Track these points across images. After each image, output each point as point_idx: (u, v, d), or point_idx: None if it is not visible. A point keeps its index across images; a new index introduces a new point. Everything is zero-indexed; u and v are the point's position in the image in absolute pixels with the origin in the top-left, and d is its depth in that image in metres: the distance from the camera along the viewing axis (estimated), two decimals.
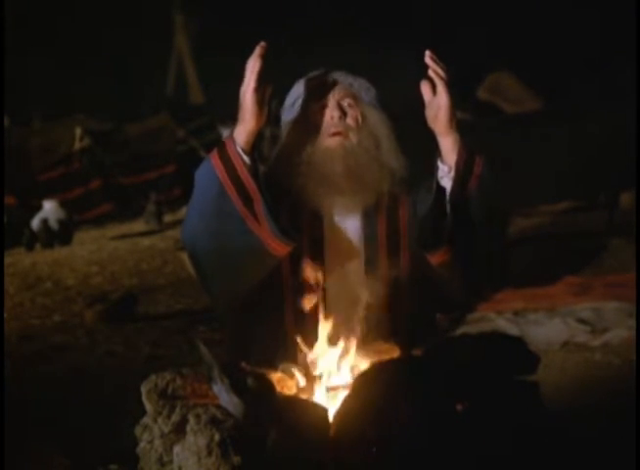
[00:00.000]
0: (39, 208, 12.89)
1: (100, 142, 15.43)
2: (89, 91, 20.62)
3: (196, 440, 2.05)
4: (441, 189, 2.47)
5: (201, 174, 2.46)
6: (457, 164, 2.44)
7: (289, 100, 2.60)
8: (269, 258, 2.42)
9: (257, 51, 2.39)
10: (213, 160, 2.42)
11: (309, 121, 2.56)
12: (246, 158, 2.41)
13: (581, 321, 6.68)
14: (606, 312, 6.88)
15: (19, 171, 14.29)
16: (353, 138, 2.53)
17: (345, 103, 2.55)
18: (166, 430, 2.16)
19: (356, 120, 2.55)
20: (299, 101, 2.57)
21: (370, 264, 2.55)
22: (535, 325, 6.63)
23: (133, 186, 15.36)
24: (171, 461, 2.14)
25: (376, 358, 2.27)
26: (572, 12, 18.19)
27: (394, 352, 2.31)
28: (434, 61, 2.43)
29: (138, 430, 2.23)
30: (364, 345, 2.36)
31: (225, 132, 14.83)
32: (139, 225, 13.80)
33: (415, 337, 2.49)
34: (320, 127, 2.54)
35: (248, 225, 2.38)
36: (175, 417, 2.16)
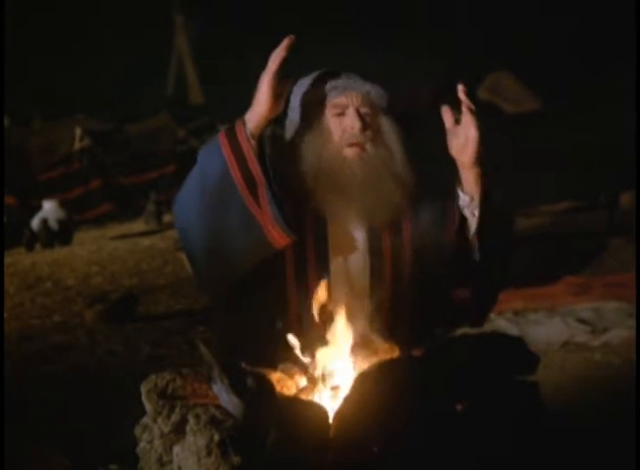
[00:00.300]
0: (39, 208, 12.90)
1: (100, 142, 15.44)
2: (89, 91, 20.62)
3: (195, 440, 2.05)
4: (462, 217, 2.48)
5: (206, 152, 2.43)
6: (482, 196, 2.45)
7: (296, 99, 2.54)
8: (266, 247, 2.39)
9: (285, 42, 2.36)
10: (221, 139, 2.39)
11: (322, 126, 2.51)
12: (253, 141, 2.38)
13: (581, 321, 6.69)
14: (606, 312, 6.88)
15: (19, 171, 14.31)
16: (370, 149, 2.50)
17: (363, 111, 2.50)
18: (166, 430, 2.16)
19: (373, 131, 2.51)
20: (311, 103, 2.52)
21: (375, 275, 2.54)
22: (535, 325, 6.63)
23: (133, 186, 15.38)
24: (171, 461, 2.14)
25: (376, 358, 2.27)
26: (573, 12, 18.20)
27: (394, 352, 2.31)
28: (467, 94, 2.41)
29: (138, 430, 2.23)
30: (364, 345, 2.36)
31: None
32: (139, 225, 13.82)
33: (415, 337, 2.49)
34: (335, 134, 2.50)
35: (249, 209, 2.36)
36: (175, 417, 2.16)
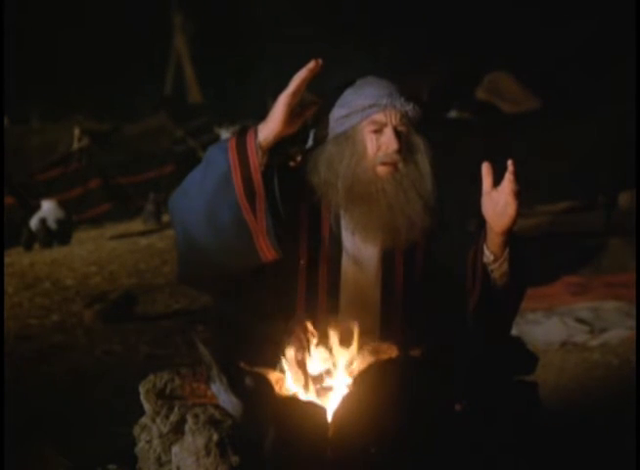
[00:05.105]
0: (38, 207, 12.88)
1: (98, 142, 15.44)
2: (88, 91, 20.63)
3: (194, 440, 2.05)
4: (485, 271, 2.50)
5: (214, 150, 2.45)
6: (510, 261, 2.47)
7: (343, 110, 2.52)
8: (253, 256, 2.40)
9: (310, 64, 2.38)
10: (230, 142, 2.42)
11: (357, 139, 2.50)
12: (260, 152, 2.39)
13: (580, 321, 6.69)
14: (604, 312, 6.88)
15: (17, 171, 14.30)
16: (402, 169, 2.50)
17: (400, 130, 2.50)
18: (165, 430, 2.16)
19: (407, 151, 2.51)
20: (355, 116, 2.50)
21: (386, 289, 2.55)
22: (534, 325, 6.63)
23: (132, 186, 15.36)
24: (170, 461, 2.14)
25: (375, 358, 2.27)
26: (573, 12, 18.20)
27: (393, 352, 2.31)
28: (515, 173, 2.40)
29: (136, 430, 2.23)
30: (363, 345, 2.36)
31: (223, 133, 14.85)
32: (137, 225, 13.78)
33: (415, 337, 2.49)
34: (369, 149, 2.49)
35: (243, 216, 2.37)
36: (174, 417, 2.16)
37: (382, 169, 2.50)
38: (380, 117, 2.49)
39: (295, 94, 2.38)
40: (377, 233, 2.51)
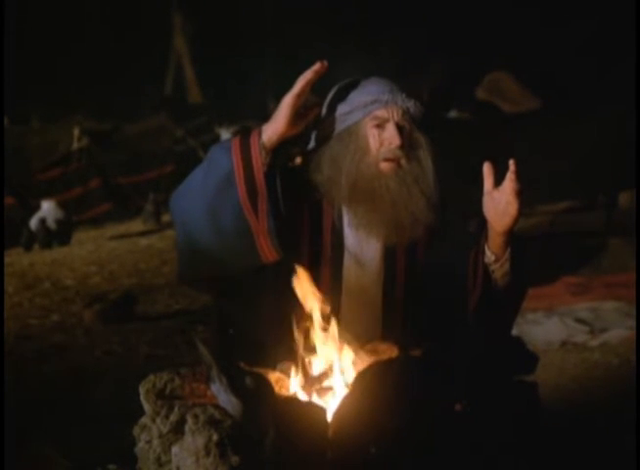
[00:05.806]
0: (37, 207, 12.89)
1: (98, 142, 15.45)
2: (88, 91, 20.63)
3: (194, 440, 2.05)
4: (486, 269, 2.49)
5: (217, 149, 2.46)
6: (512, 261, 2.46)
7: (345, 107, 2.53)
8: (254, 257, 2.40)
9: (315, 66, 2.38)
10: (234, 141, 2.42)
11: (360, 135, 2.51)
12: (264, 152, 2.40)
13: (580, 321, 6.69)
14: (604, 312, 6.89)
15: (17, 171, 14.30)
16: (405, 165, 2.50)
17: (402, 126, 2.50)
18: (165, 430, 2.16)
19: (410, 147, 2.51)
20: (357, 112, 2.51)
21: (388, 287, 2.56)
22: (534, 325, 6.63)
23: (132, 186, 15.37)
24: (170, 461, 2.14)
25: (374, 358, 2.26)
26: (573, 13, 18.20)
27: (393, 352, 2.31)
28: (517, 173, 2.39)
29: (136, 430, 2.23)
30: (362, 344, 2.35)
31: (223, 133, 14.86)
32: (137, 225, 13.79)
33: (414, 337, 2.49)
34: (372, 145, 2.50)
35: (245, 216, 2.37)
36: (173, 417, 2.16)
37: (385, 166, 2.50)
38: (382, 112, 2.50)
39: (299, 95, 2.38)
40: (380, 229, 2.51)
